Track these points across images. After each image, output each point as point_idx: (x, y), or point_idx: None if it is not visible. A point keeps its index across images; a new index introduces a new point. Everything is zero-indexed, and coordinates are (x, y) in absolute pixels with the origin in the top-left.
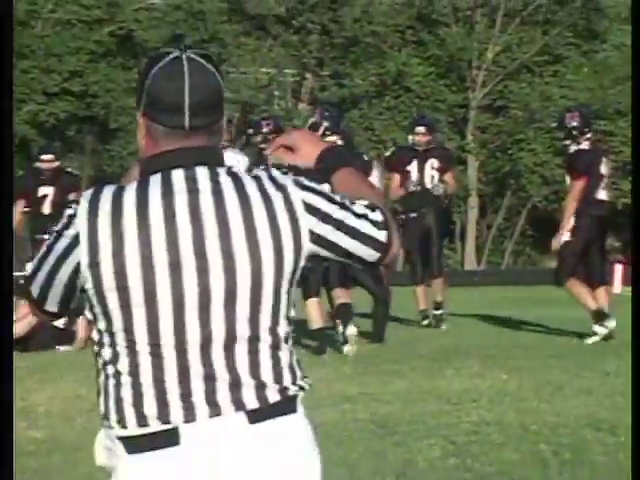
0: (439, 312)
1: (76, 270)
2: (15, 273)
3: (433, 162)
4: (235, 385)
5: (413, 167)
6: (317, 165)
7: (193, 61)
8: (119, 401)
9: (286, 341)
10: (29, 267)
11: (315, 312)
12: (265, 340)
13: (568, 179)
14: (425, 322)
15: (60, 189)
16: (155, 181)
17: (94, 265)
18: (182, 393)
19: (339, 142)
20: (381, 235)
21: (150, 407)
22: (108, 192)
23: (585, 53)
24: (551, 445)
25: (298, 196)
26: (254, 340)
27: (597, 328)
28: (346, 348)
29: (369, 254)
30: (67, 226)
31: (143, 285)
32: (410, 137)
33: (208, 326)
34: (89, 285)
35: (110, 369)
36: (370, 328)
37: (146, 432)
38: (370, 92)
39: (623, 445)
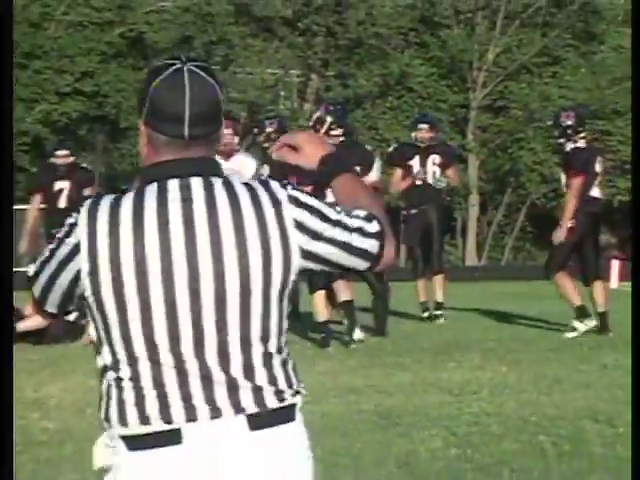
0: (439, 312)
1: (76, 277)
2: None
3: (435, 158)
4: (232, 387)
5: (415, 162)
6: (319, 167)
7: (194, 73)
8: (121, 403)
9: (280, 350)
10: (31, 267)
11: (321, 305)
12: (257, 346)
13: (563, 177)
14: (425, 314)
15: (76, 184)
16: (151, 190)
17: (93, 273)
18: (183, 395)
19: (342, 136)
20: (372, 247)
21: (152, 407)
22: (106, 201)
23: (583, 54)
24: (550, 436)
25: (290, 214)
26: (246, 345)
27: (577, 324)
28: (356, 335)
29: (359, 264)
30: (68, 234)
31: (138, 293)
32: (413, 134)
33: (201, 332)
34: (88, 292)
35: (111, 375)
36: (371, 322)
37: (148, 431)
38: (374, 92)
39: (621, 436)
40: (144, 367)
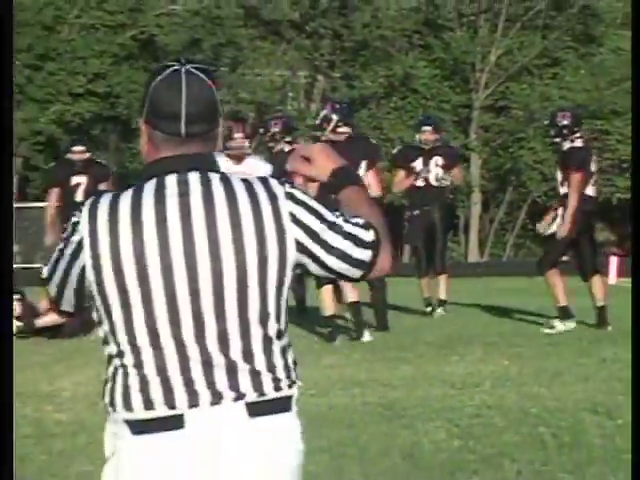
0: (441, 310)
1: (82, 273)
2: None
3: (438, 159)
4: (231, 370)
5: (418, 164)
6: (329, 179)
7: (191, 74)
8: (126, 388)
9: (279, 335)
10: (44, 269)
11: (328, 300)
12: (256, 338)
13: (559, 175)
14: (428, 309)
15: (92, 178)
16: (150, 186)
17: (96, 267)
18: (185, 381)
19: (348, 133)
20: (366, 255)
21: (156, 393)
22: (106, 199)
23: (582, 56)
24: (550, 428)
25: (287, 208)
26: (246, 336)
27: (557, 323)
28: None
29: (352, 272)
30: (73, 233)
31: (139, 285)
32: (417, 136)
33: (201, 322)
34: (93, 287)
35: (117, 361)
36: (371, 317)
37: (152, 416)
38: (379, 93)
39: (619, 428)
40: (147, 354)
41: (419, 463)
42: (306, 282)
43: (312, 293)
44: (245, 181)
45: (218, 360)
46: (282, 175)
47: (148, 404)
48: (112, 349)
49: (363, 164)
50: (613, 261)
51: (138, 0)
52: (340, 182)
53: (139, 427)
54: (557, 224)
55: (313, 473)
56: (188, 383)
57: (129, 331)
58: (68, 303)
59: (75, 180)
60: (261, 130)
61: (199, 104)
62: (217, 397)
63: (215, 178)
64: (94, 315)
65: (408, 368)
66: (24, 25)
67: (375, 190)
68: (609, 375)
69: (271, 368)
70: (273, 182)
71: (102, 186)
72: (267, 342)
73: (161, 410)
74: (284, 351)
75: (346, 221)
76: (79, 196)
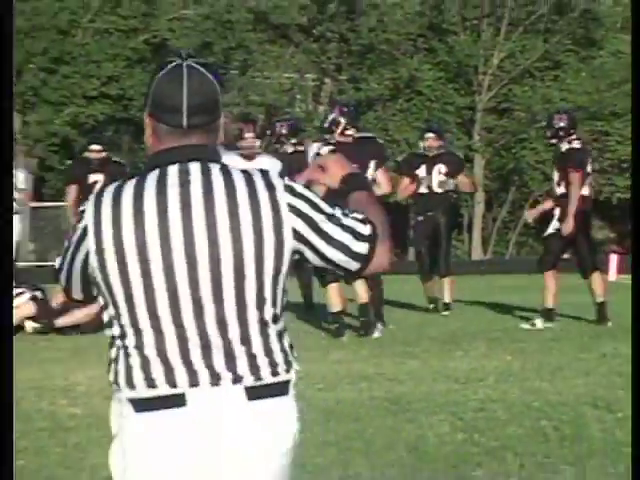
0: (446, 313)
1: (86, 259)
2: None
3: (441, 167)
4: (229, 353)
5: (422, 171)
6: (340, 185)
7: (192, 68)
8: (128, 367)
9: (275, 319)
10: (57, 259)
11: (335, 296)
12: (253, 322)
13: (556, 175)
14: (431, 306)
15: (110, 176)
16: (152, 177)
17: (99, 253)
18: (184, 361)
19: (355, 135)
20: (362, 248)
21: (157, 371)
22: (111, 188)
23: (583, 59)
24: (552, 421)
25: (285, 199)
26: (243, 321)
27: (538, 321)
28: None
29: (348, 264)
30: (79, 221)
31: (141, 276)
32: (421, 144)
33: (200, 308)
34: (97, 273)
35: (119, 342)
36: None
37: (155, 394)
38: (384, 95)
39: (619, 421)
40: (148, 336)
41: (424, 456)
42: (312, 280)
43: (319, 290)
44: (245, 172)
45: (216, 343)
46: (288, 175)
47: (150, 382)
48: (115, 331)
49: (372, 164)
50: (613, 258)
51: (151, 5)
52: (350, 188)
53: (142, 405)
54: (552, 225)
55: (321, 465)
56: (188, 364)
57: (131, 315)
58: (76, 291)
59: (92, 178)
60: (268, 132)
61: (200, 96)
62: (216, 378)
63: (215, 168)
64: (100, 300)
65: (413, 363)
66: (39, 29)
67: (385, 188)
68: (609, 370)
69: (268, 352)
70: (272, 174)
71: None
72: (263, 326)
73: (163, 389)
74: (280, 335)
75: (344, 214)
76: None
